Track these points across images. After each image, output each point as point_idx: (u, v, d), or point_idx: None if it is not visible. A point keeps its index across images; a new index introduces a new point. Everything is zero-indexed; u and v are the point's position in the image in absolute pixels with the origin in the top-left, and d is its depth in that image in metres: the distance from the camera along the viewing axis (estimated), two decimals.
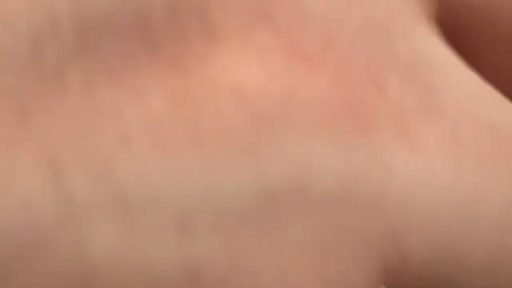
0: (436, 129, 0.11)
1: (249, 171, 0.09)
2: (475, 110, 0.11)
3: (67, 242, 0.09)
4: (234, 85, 0.10)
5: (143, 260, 0.09)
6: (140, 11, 0.09)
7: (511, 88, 0.13)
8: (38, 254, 0.09)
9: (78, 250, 0.09)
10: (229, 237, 0.09)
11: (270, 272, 0.09)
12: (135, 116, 0.09)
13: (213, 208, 0.09)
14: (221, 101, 0.10)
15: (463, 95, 0.11)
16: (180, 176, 0.09)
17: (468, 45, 0.13)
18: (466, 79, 0.11)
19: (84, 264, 0.09)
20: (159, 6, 0.10)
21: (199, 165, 0.09)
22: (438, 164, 0.10)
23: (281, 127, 0.10)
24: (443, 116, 0.11)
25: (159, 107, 0.09)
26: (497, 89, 0.13)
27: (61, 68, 0.09)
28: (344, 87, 0.10)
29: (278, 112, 0.10)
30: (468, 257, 0.11)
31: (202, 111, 0.09)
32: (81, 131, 0.09)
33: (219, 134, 0.09)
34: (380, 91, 0.10)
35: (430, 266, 0.10)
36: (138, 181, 0.09)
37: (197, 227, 0.09)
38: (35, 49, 0.09)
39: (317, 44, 0.10)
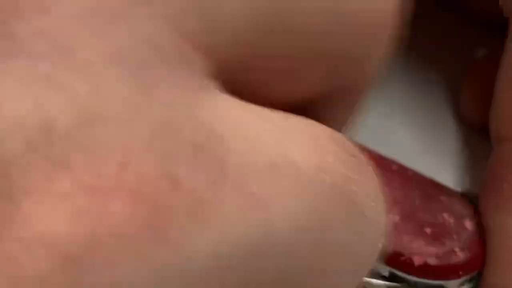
0: (231, 199, 0.12)
1: None
2: (270, 161, 0.12)
3: None
4: (43, 237, 0.10)
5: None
6: None
7: None
8: None
9: None
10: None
11: None
12: None
13: None
14: (34, 257, 0.10)
15: (257, 152, 0.12)
16: None
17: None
18: (257, 128, 0.13)
19: None
20: None
21: None
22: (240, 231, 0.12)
23: (91, 266, 0.11)
24: (233, 185, 0.12)
25: None
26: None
27: None
28: (141, 200, 0.11)
29: (85, 253, 0.11)
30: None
31: (19, 272, 0.10)
32: None
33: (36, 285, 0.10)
34: (175, 186, 0.11)
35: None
36: None
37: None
38: None
39: (112, 169, 0.11)
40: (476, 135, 0.28)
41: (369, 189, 0.14)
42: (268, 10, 0.13)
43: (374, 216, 0.14)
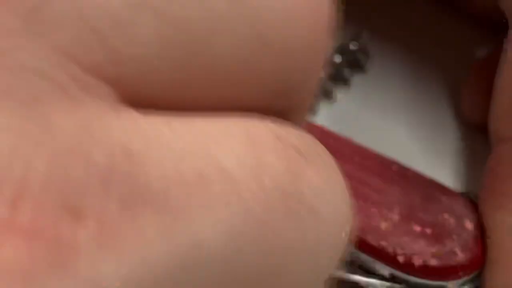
0: (149, 222, 0.11)
1: None
2: (190, 170, 0.12)
3: None
4: None
5: None
6: None
7: None
8: None
9: None
10: None
11: None
12: None
13: None
14: None
15: (177, 164, 0.12)
16: None
17: None
18: (180, 141, 0.12)
19: None
20: None
21: None
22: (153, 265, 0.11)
23: None
24: (152, 206, 0.11)
25: None
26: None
27: None
28: (38, 238, 0.10)
29: None
30: None
31: None
32: None
33: None
34: (78, 219, 0.11)
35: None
36: None
37: None
38: None
39: (5, 207, 0.10)
40: (476, 135, 0.28)
41: (321, 182, 0.13)
42: (183, 41, 0.12)
43: (329, 209, 0.13)
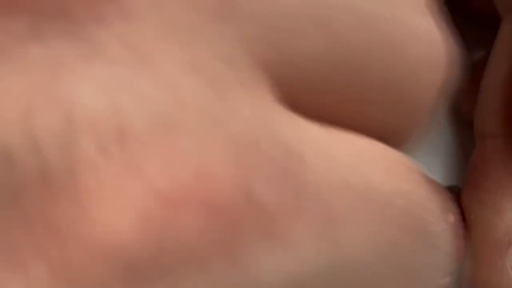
0: (306, 219, 0.11)
1: None
2: (348, 181, 0.12)
3: None
4: (106, 241, 0.10)
5: None
6: (12, 184, 0.10)
7: None
8: None
9: None
10: None
11: None
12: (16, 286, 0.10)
13: None
14: (95, 261, 0.10)
15: (335, 172, 0.12)
16: None
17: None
18: (333, 148, 0.12)
19: None
20: (31, 177, 0.10)
21: None
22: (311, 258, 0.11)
23: (153, 277, 0.10)
24: (314, 204, 0.11)
25: (38, 275, 0.10)
26: None
27: None
28: (213, 213, 0.11)
29: (149, 262, 0.10)
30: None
31: (78, 275, 0.10)
32: None
33: None
34: (249, 201, 0.11)
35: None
36: None
37: None
38: None
39: (187, 177, 0.11)
40: (473, 132, 0.28)
41: (443, 220, 0.14)
42: (346, 54, 0.13)
43: (446, 249, 0.14)
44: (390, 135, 0.14)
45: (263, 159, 0.11)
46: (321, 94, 0.13)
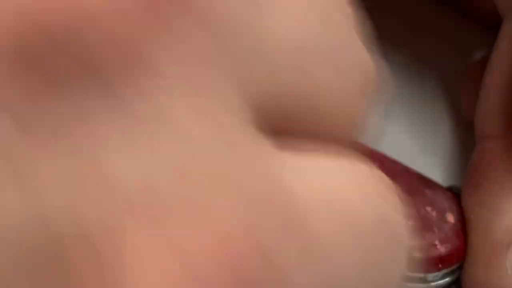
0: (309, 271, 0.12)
1: None
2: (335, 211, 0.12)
3: None
4: None
5: None
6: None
7: None
8: None
9: None
10: None
11: None
12: None
13: None
14: None
15: (331, 205, 0.12)
16: None
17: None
18: (321, 179, 0.13)
19: None
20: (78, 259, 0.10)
21: None
22: None
23: None
24: (317, 255, 0.12)
25: None
26: None
27: None
28: (237, 277, 0.11)
29: None
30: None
31: None
32: None
33: None
34: (268, 264, 0.11)
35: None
36: None
37: None
38: None
39: (210, 238, 0.11)
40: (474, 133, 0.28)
41: (401, 217, 0.14)
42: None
43: (405, 242, 0.14)
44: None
45: (273, 214, 0.12)
46: (291, 121, 0.13)
